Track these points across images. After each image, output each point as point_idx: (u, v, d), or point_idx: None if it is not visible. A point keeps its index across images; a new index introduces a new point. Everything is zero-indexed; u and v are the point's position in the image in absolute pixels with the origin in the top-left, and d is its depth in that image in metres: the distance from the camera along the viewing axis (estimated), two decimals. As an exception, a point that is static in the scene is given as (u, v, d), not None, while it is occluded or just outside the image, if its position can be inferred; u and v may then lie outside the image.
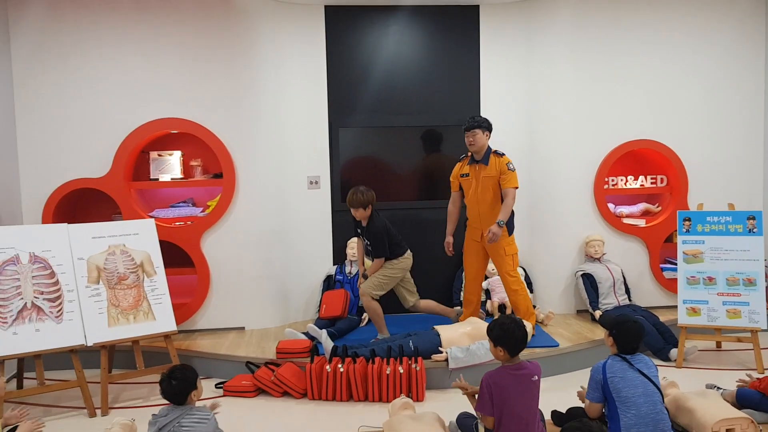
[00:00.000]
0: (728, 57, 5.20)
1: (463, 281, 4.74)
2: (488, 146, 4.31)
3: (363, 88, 5.22)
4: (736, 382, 3.49)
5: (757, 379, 3.36)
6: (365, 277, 4.49)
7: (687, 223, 4.52)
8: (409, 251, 4.50)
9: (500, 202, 4.27)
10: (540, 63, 5.16)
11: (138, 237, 4.22)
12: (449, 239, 4.56)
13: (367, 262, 4.66)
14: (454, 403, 3.22)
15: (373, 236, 4.34)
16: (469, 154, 4.39)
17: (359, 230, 4.51)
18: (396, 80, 5.24)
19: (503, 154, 4.31)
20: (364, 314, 5.02)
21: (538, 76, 5.17)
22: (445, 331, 4.17)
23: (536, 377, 2.80)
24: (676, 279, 4.68)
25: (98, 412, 3.75)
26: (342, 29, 5.15)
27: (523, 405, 2.73)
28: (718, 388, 3.53)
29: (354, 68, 5.20)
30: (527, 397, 2.76)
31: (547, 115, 5.15)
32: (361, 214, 4.35)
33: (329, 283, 5.16)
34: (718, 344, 4.71)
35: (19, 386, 3.89)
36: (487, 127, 4.26)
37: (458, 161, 4.51)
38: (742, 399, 3.29)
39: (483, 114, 5.26)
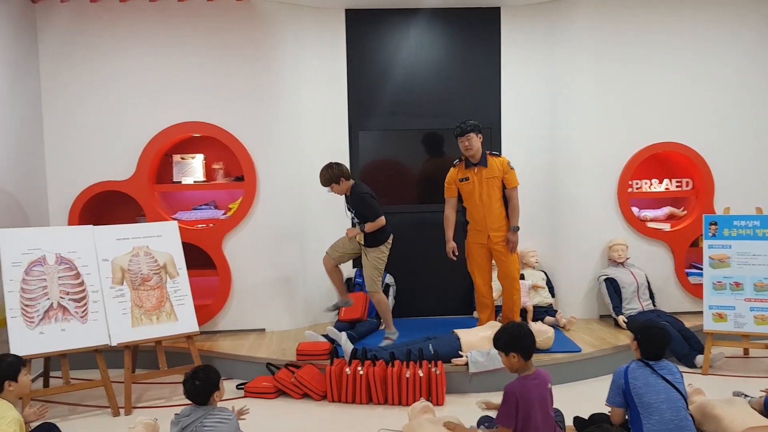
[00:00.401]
0: (754, 59, 5.10)
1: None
2: (482, 149, 4.34)
3: (383, 91, 5.22)
4: (761, 390, 3.41)
5: (786, 387, 3.28)
6: (357, 225, 4.38)
7: (713, 227, 4.43)
8: (390, 234, 4.44)
9: (504, 202, 4.34)
10: (562, 65, 5.11)
11: (161, 239, 4.28)
12: (453, 244, 4.53)
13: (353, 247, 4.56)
14: (474, 408, 3.19)
15: (359, 200, 4.30)
16: (463, 158, 4.40)
17: (347, 205, 4.47)
18: (416, 83, 5.23)
19: (500, 154, 4.39)
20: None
21: (560, 78, 5.12)
22: (465, 335, 4.15)
23: (549, 385, 2.78)
24: (701, 284, 4.58)
25: (122, 411, 3.80)
26: (362, 32, 5.16)
27: (542, 415, 2.70)
28: (746, 395, 3.44)
29: (374, 71, 5.20)
30: (546, 406, 2.73)
31: (569, 117, 5.10)
32: (337, 189, 4.33)
33: (349, 286, 5.16)
34: (746, 351, 4.60)
35: (45, 385, 3.97)
36: (479, 129, 4.30)
37: (452, 167, 4.51)
38: (770, 407, 3.21)
39: (504, 116, 5.23)
